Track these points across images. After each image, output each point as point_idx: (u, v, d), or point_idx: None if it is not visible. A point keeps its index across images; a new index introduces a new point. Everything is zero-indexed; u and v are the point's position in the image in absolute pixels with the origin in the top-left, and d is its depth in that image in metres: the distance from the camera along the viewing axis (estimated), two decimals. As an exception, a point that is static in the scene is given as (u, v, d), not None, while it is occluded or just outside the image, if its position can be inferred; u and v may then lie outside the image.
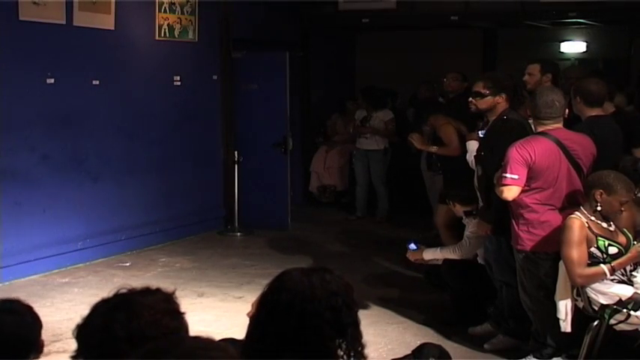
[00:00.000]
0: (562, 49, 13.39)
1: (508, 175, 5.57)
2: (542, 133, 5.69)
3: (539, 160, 5.57)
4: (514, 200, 5.65)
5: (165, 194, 10.15)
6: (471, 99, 6.45)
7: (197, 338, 2.05)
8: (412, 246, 7.11)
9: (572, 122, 6.12)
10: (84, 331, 2.48)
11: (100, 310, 2.49)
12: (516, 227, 5.76)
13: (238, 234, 10.63)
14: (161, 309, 2.45)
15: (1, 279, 8.13)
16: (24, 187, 8.41)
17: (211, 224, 10.73)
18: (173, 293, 2.56)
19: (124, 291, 2.55)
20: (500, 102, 6.33)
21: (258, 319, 2.66)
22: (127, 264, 9.09)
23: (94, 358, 2.43)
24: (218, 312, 7.18)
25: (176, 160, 10.33)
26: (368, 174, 11.32)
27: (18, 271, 8.30)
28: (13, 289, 7.80)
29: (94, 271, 8.76)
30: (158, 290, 2.55)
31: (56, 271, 8.67)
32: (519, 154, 5.57)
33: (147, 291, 2.54)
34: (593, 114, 6.31)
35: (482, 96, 6.33)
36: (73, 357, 2.50)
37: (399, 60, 13.15)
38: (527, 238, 5.70)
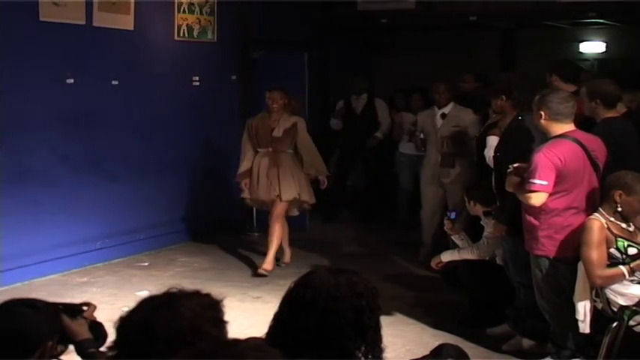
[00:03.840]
0: (581, 50, 13.33)
1: (537, 182, 5.49)
2: (563, 136, 5.66)
3: (568, 164, 5.52)
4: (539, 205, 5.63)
5: (183, 194, 10.17)
6: (492, 99, 6.57)
7: (248, 341, 2.06)
8: (452, 215, 7.11)
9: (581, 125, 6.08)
10: (125, 325, 2.47)
11: (146, 306, 2.48)
12: (536, 232, 5.69)
13: (256, 234, 10.61)
14: (205, 315, 2.44)
15: (21, 278, 8.17)
16: (43, 187, 8.45)
17: (230, 224, 10.73)
18: (221, 301, 2.54)
19: (174, 291, 2.55)
20: (503, 103, 6.36)
21: (280, 315, 2.67)
22: (146, 264, 9.12)
23: (129, 354, 2.43)
24: (236, 312, 7.18)
25: (194, 161, 10.35)
26: (414, 180, 10.44)
27: (37, 270, 8.34)
28: (33, 289, 7.83)
29: (113, 271, 8.80)
30: (207, 296, 2.54)
31: (75, 270, 8.70)
32: (549, 160, 5.50)
33: (195, 295, 2.53)
34: (610, 115, 6.29)
35: (491, 98, 6.45)
36: (109, 348, 2.50)
37: (419, 60, 13.13)
38: (549, 244, 5.64)
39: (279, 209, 8.70)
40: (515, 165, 5.77)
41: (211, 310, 2.50)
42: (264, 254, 8.74)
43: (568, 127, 5.67)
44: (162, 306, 2.45)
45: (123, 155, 9.36)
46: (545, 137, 5.78)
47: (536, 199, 5.55)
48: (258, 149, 8.72)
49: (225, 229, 10.60)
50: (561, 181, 5.54)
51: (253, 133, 8.73)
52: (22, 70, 8.18)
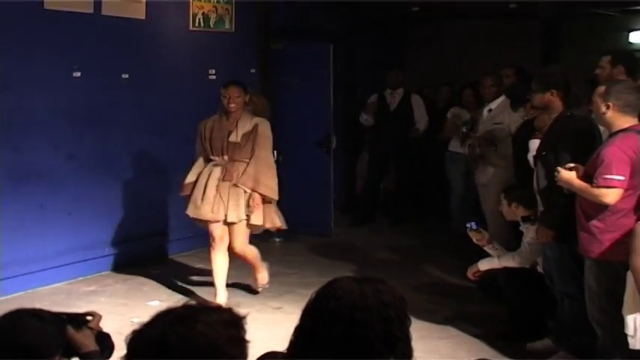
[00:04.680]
0: (630, 39, 13.22)
1: (615, 177, 5.40)
2: (630, 129, 5.56)
3: (637, 159, 5.47)
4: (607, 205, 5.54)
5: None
6: (528, 95, 6.51)
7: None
8: (473, 225, 7.08)
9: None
10: (137, 339, 2.45)
11: (161, 320, 2.47)
12: (601, 235, 5.59)
13: (277, 239, 10.62)
14: (224, 334, 2.40)
15: (24, 286, 8.21)
16: (48, 189, 8.49)
17: (248, 229, 10.74)
18: (245, 317, 2.53)
19: (192, 303, 2.53)
20: (552, 98, 6.30)
21: (302, 328, 2.66)
22: (158, 272, 9.13)
23: None
24: (256, 324, 7.10)
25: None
26: (465, 180, 10.30)
27: (41, 278, 8.37)
28: (36, 298, 7.86)
29: (122, 280, 8.82)
30: (229, 311, 2.52)
31: (81, 278, 8.73)
32: (624, 153, 5.44)
33: (216, 309, 2.51)
34: None
35: (534, 92, 6.38)
36: None
37: (453, 52, 13.08)
38: (611, 245, 5.55)
39: (240, 235, 7.77)
40: (571, 165, 5.71)
41: (233, 327, 2.46)
42: (286, 261, 8.71)
43: (633, 120, 5.60)
44: (179, 321, 2.42)
45: (134, 154, 9.38)
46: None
47: (613, 195, 5.45)
48: (211, 157, 7.76)
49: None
50: (631, 178, 5.47)
51: (206, 137, 7.77)
52: (24, 63, 8.22)
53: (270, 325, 7.08)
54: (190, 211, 7.75)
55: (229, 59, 10.52)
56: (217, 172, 7.66)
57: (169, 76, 9.77)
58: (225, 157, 7.66)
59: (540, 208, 6.34)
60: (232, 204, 7.59)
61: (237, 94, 7.67)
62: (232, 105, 7.65)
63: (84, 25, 8.69)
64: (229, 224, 7.69)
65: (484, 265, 6.99)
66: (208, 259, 7.81)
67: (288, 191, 10.79)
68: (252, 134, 7.64)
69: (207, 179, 7.67)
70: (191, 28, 9.98)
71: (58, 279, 8.55)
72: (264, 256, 9.76)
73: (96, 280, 8.73)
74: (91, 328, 3.29)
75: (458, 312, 7.66)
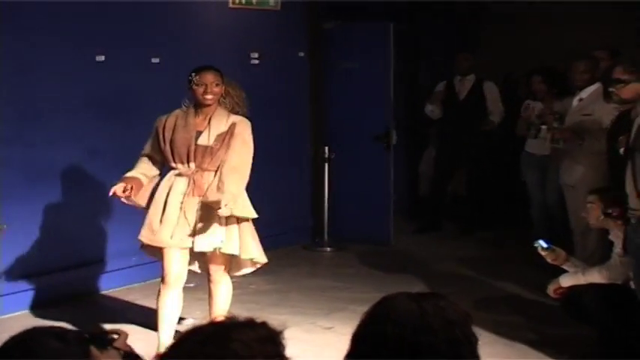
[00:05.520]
0: None
1: None
2: None
3: None
4: None
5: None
6: (611, 89, 6.36)
7: None
8: (542, 243, 7.01)
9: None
10: None
11: (191, 339, 2.46)
12: None
13: (328, 249, 10.65)
14: (262, 351, 2.41)
15: (47, 300, 8.28)
16: (67, 188, 8.53)
17: (295, 237, 10.78)
18: (281, 333, 2.50)
19: (223, 320, 2.51)
20: None
21: (355, 355, 2.63)
22: (192, 285, 9.11)
23: None
24: (303, 346, 7.16)
25: (254, 157, 10.34)
26: (544, 185, 10.01)
27: (63, 290, 8.41)
28: (57, 315, 7.91)
29: (152, 293, 8.80)
30: (263, 326, 2.50)
31: (106, 291, 8.77)
32: None
33: (249, 325, 2.49)
34: None
35: (625, 83, 6.25)
36: None
37: (535, 34, 12.96)
38: None
39: (221, 264, 6.95)
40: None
41: (270, 344, 2.46)
42: (338, 274, 8.68)
43: None
44: (211, 340, 2.42)
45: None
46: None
47: None
48: (172, 165, 6.81)
49: (290, 241, 10.64)
50: None
51: (165, 139, 6.83)
52: (40, 45, 8.28)
53: (320, 347, 7.12)
54: (145, 237, 6.79)
55: (274, 41, 10.55)
56: (181, 184, 6.71)
57: (206, 60, 9.68)
58: (192, 166, 6.72)
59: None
60: (204, 227, 6.64)
61: (216, 81, 6.80)
62: (209, 97, 6.75)
63: (108, 2, 8.74)
64: (198, 254, 6.90)
65: (567, 280, 6.92)
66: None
67: (340, 193, 10.85)
68: (227, 136, 6.75)
69: (168, 195, 6.73)
70: (231, 5, 10.01)
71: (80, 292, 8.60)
72: (312, 268, 9.79)
73: (123, 293, 8.83)
74: (117, 348, 3.27)
75: (537, 333, 7.59)
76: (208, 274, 7.00)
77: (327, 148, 10.80)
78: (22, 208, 8.13)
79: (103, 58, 8.76)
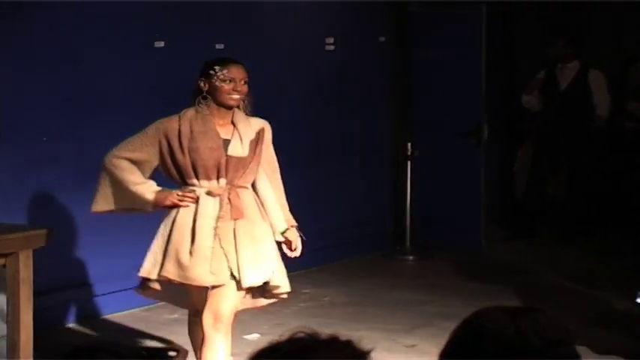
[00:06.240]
0: None
1: None
2: None
3: None
4: None
5: (310, 201, 10.15)
6: None
7: None
8: None
9: None
10: None
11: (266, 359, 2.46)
12: None
13: (411, 257, 10.64)
14: None
15: (94, 312, 8.40)
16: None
17: (374, 243, 10.77)
18: (370, 352, 2.49)
19: (303, 336, 2.50)
20: None
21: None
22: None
23: None
24: (382, 365, 7.19)
25: (326, 154, 10.39)
26: None
27: (113, 302, 8.50)
28: (108, 327, 7.99)
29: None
30: (349, 345, 2.49)
31: (162, 303, 8.82)
32: None
33: (333, 343, 2.48)
34: None
35: None
36: None
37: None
38: None
39: (229, 305, 6.20)
40: None
41: None
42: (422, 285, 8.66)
43: None
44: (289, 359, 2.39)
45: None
46: None
47: None
48: (193, 182, 6.21)
49: (368, 248, 10.65)
50: None
51: (182, 149, 6.20)
52: (93, 31, 8.36)
53: (401, 367, 7.08)
54: (171, 273, 6.12)
55: (351, 25, 10.57)
56: (210, 206, 6.16)
57: (274, 46, 9.81)
58: (223, 182, 6.21)
59: None
60: (247, 256, 6.14)
61: (245, 78, 6.30)
62: (237, 97, 6.26)
63: (167, -18, 8.83)
64: (229, 288, 6.19)
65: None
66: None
67: (425, 195, 10.82)
68: (257, 144, 6.37)
69: (195, 221, 6.15)
70: (303, -16, 10.05)
71: (133, 304, 8.61)
72: (393, 278, 9.76)
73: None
74: None
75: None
76: (198, 320, 6.22)
77: (409, 144, 10.77)
78: (73, 210, 8.23)
79: (162, 44, 8.84)
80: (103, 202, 6.42)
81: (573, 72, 11.39)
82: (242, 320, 8.30)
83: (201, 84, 6.22)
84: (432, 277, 9.98)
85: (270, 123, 9.32)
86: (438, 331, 7.73)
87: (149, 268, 6.19)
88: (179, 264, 6.04)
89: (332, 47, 10.38)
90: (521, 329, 2.58)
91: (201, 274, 6.03)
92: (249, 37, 9.52)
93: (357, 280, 9.78)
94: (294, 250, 6.58)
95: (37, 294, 6.56)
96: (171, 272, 6.06)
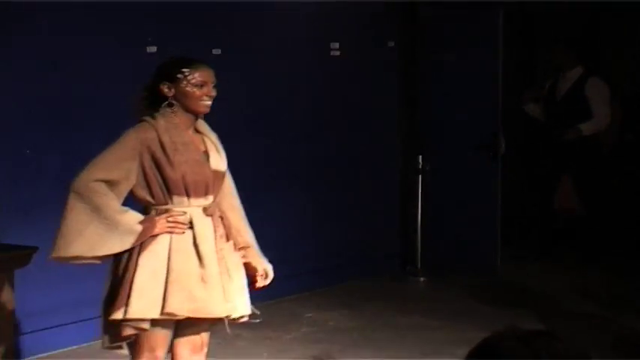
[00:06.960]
0: None
1: None
2: None
3: None
4: None
5: (313, 218, 10.24)
6: None
7: None
8: None
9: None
10: None
11: None
12: None
13: (421, 279, 10.68)
14: None
15: (84, 338, 8.46)
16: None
17: (381, 264, 10.86)
18: None
19: None
20: None
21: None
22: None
23: None
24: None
25: (332, 168, 10.46)
26: None
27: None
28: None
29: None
30: None
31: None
32: None
33: None
34: None
35: None
36: None
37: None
38: None
39: (208, 333, 6.21)
40: None
41: None
42: (433, 310, 8.73)
43: None
44: None
45: (230, 155, 9.53)
46: None
47: None
48: (185, 199, 5.80)
49: (375, 270, 10.77)
50: None
51: (170, 163, 5.74)
52: (84, 34, 8.47)
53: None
54: (179, 308, 5.68)
55: (358, 29, 10.62)
56: (206, 227, 5.87)
57: (275, 52, 9.83)
58: (210, 199, 5.93)
59: None
60: (240, 283, 6.06)
61: (214, 81, 5.96)
62: (209, 103, 5.93)
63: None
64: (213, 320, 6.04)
65: None
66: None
67: (436, 213, 10.84)
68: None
69: (198, 243, 5.80)
70: (307, -15, 10.16)
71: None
72: (401, 302, 9.83)
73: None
74: None
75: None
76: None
77: (420, 157, 10.82)
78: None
79: (154, 49, 8.91)
80: (74, 243, 5.73)
81: (572, 80, 11.39)
82: (242, 347, 8.48)
83: (165, 89, 5.82)
84: (443, 300, 10.03)
85: (269, 134, 9.48)
86: (450, 358, 7.85)
87: (143, 308, 5.59)
88: (189, 296, 5.64)
89: (337, 52, 10.42)
90: (537, 354, 2.64)
91: (217, 303, 5.77)
92: (248, 42, 9.62)
93: (364, 304, 9.82)
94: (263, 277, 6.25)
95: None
96: (178, 308, 5.62)
